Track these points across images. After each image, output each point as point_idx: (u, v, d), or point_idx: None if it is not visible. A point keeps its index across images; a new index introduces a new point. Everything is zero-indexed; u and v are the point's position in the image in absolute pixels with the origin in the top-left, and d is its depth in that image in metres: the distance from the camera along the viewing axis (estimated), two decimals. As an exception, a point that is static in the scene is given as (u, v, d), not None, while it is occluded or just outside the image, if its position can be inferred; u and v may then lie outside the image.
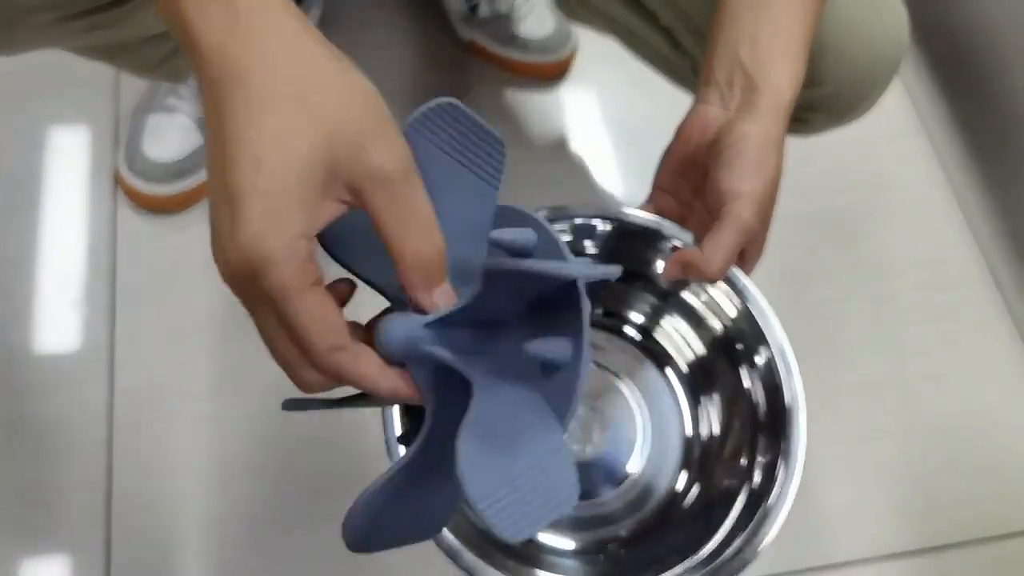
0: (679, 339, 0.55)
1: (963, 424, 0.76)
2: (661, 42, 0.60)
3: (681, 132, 0.48)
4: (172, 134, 0.77)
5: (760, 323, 0.50)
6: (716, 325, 0.52)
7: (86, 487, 0.68)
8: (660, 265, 0.52)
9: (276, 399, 0.64)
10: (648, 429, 0.55)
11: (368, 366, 0.33)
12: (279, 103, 0.31)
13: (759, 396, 0.50)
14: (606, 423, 0.55)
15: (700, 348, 0.54)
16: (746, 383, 0.51)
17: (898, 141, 0.90)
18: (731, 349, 0.52)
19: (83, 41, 0.54)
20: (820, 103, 0.55)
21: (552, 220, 0.49)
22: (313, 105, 0.32)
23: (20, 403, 0.71)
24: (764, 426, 0.49)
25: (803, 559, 0.69)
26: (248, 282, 0.31)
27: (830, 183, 0.88)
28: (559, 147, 0.86)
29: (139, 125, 0.77)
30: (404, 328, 0.34)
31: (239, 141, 0.31)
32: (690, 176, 0.48)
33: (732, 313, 0.51)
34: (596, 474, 0.53)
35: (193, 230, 0.78)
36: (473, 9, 0.85)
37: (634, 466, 0.54)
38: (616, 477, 0.53)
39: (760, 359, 0.50)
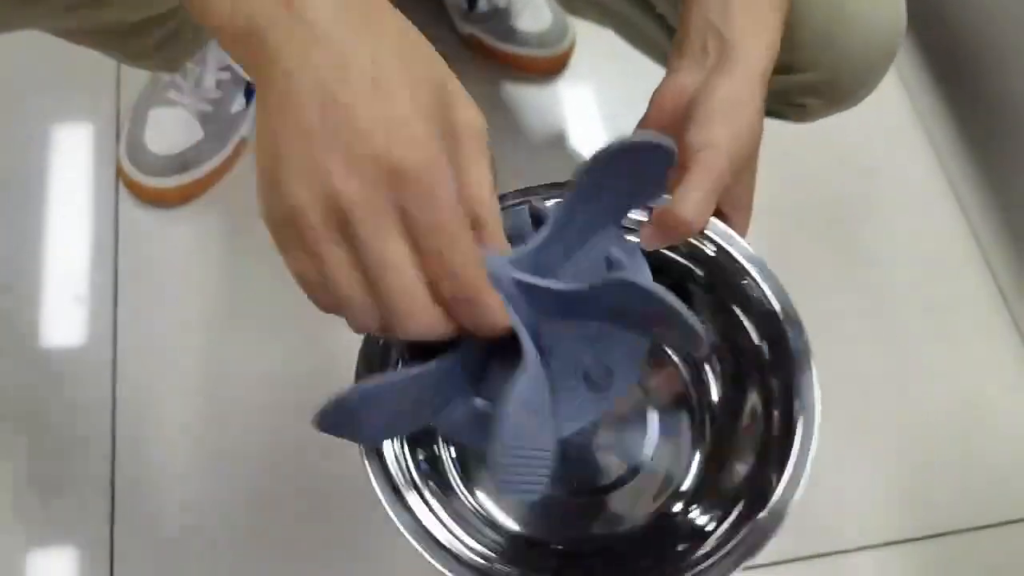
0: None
1: (959, 417, 0.77)
2: (657, 30, 0.61)
3: (655, 100, 0.46)
4: (173, 127, 0.77)
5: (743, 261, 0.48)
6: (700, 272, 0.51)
7: (90, 479, 0.68)
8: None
9: (278, 392, 0.65)
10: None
11: (494, 294, 0.33)
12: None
13: (757, 337, 0.48)
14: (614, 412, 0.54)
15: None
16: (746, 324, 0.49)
17: (894, 134, 0.91)
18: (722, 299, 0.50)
19: (65, 22, 0.54)
20: (818, 88, 0.55)
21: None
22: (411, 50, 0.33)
23: (25, 397, 0.71)
24: (769, 368, 0.48)
25: (800, 547, 0.70)
26: (378, 190, 0.31)
27: (825, 175, 0.88)
28: (557, 142, 0.86)
29: (140, 118, 0.78)
30: (498, 266, 0.35)
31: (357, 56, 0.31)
32: None
33: (710, 253, 0.49)
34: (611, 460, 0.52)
35: (196, 223, 0.79)
36: (471, 4, 0.86)
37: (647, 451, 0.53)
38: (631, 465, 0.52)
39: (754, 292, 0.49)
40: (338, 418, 0.35)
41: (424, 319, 0.32)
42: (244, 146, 0.82)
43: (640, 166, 0.38)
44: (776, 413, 0.47)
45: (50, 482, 0.68)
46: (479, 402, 0.37)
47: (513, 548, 0.48)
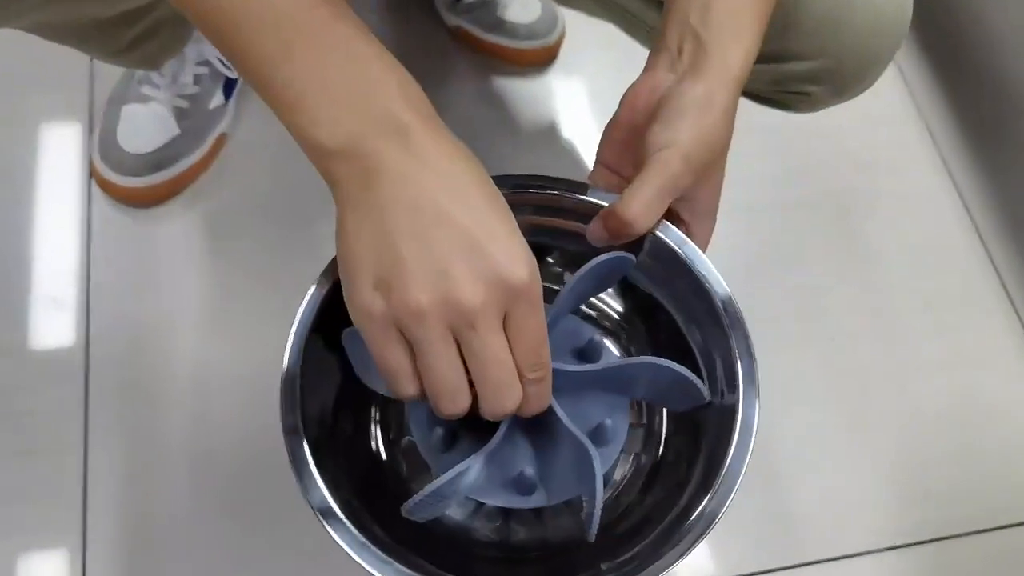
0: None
1: (960, 412, 0.75)
2: (656, 19, 0.58)
3: (627, 99, 0.46)
4: (148, 124, 0.74)
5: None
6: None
7: (63, 488, 0.66)
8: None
9: (258, 394, 0.62)
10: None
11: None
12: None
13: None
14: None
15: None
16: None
17: (893, 126, 0.89)
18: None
19: (40, 15, 0.51)
20: (822, 76, 0.53)
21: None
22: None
23: (-6, 402, 0.69)
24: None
25: (792, 554, 0.68)
26: (494, 297, 0.38)
27: (823, 169, 0.86)
28: (547, 134, 0.84)
29: (113, 116, 0.75)
30: None
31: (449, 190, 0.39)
32: (634, 149, 0.46)
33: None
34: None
35: (172, 223, 0.76)
36: (458, -6, 0.83)
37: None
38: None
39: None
40: (428, 508, 0.43)
41: (513, 402, 0.40)
42: (223, 143, 0.79)
43: (607, 274, 0.47)
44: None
45: (22, 488, 0.66)
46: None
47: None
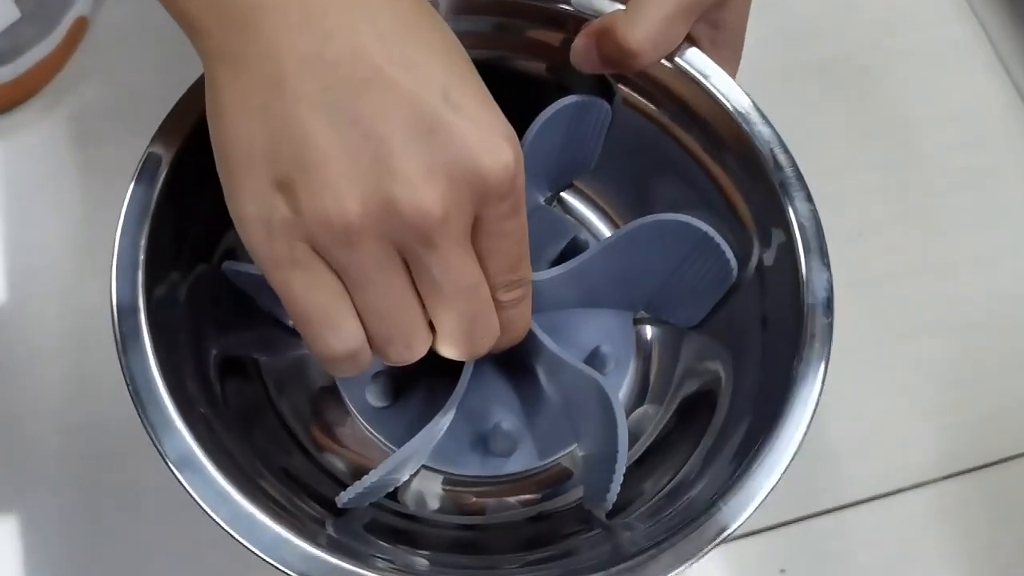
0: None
1: (1017, 311, 0.63)
2: None
3: None
4: (-23, 5, 0.57)
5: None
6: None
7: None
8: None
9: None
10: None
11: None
12: None
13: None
14: None
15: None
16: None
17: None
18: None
19: None
20: None
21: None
22: None
23: None
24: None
25: (837, 495, 0.55)
26: (462, 201, 0.26)
27: (835, 27, 0.72)
28: None
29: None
30: None
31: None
32: None
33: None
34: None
35: (24, 136, 0.59)
36: None
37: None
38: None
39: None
40: (373, 495, 0.34)
41: (490, 339, 0.30)
42: (83, 29, 0.62)
43: (573, 127, 0.38)
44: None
45: None
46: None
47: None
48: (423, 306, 0.29)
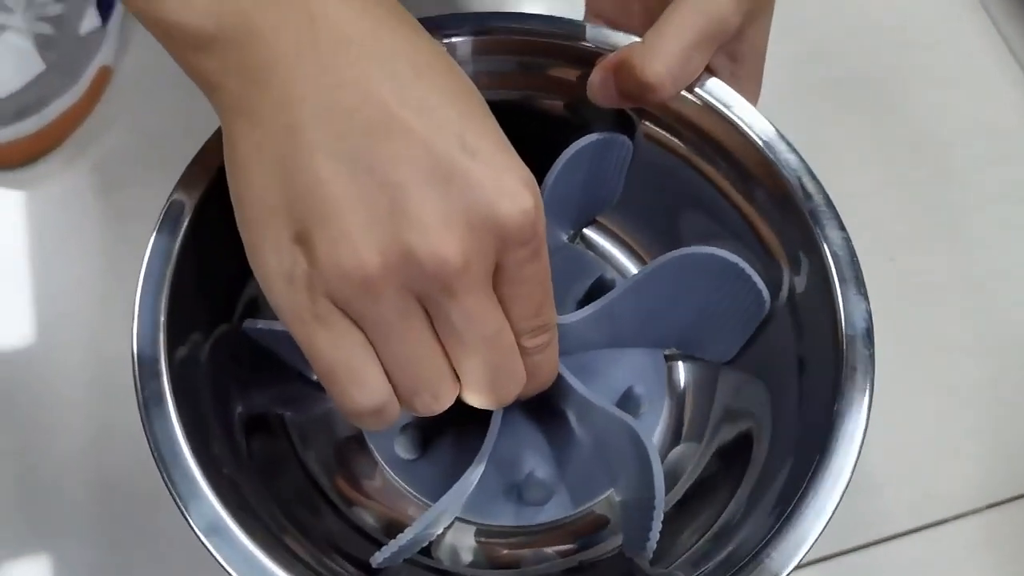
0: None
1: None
2: None
3: None
4: (3, 60, 0.58)
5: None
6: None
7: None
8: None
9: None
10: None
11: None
12: None
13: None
14: None
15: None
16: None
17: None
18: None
19: None
20: None
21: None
22: None
23: None
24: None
25: (875, 529, 0.54)
26: (484, 251, 0.26)
27: (853, 47, 0.71)
28: None
29: (-46, 52, 0.58)
30: None
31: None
32: None
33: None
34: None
35: (50, 183, 0.60)
36: None
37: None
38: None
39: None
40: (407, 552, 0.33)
41: (516, 386, 0.29)
42: (106, 78, 0.63)
43: (596, 166, 0.37)
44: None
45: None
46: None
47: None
48: (447, 355, 0.28)
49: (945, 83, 0.70)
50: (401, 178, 0.25)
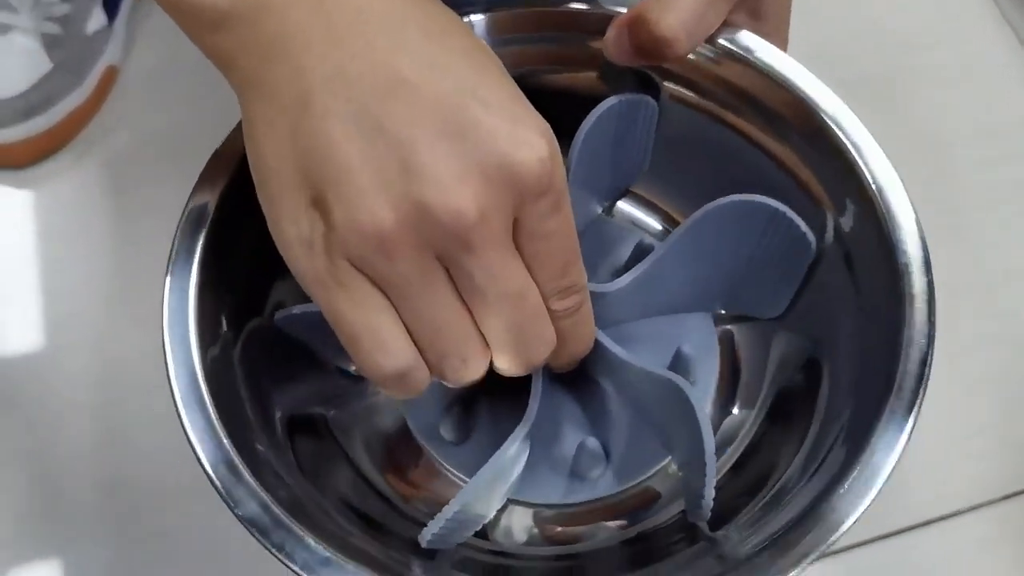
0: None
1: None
2: None
3: None
4: (8, 60, 0.58)
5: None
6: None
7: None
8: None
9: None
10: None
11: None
12: None
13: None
14: None
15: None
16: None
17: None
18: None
19: None
20: None
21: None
22: None
23: None
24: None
25: (887, 520, 0.53)
26: (501, 205, 0.25)
27: (860, 46, 0.71)
28: None
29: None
30: None
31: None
32: None
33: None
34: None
35: (58, 182, 0.60)
36: None
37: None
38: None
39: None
40: (456, 534, 0.32)
41: (546, 347, 0.29)
42: (112, 78, 0.62)
43: (622, 129, 0.36)
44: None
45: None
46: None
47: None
48: (473, 319, 0.28)
49: (950, 82, 0.70)
50: (411, 135, 0.24)
